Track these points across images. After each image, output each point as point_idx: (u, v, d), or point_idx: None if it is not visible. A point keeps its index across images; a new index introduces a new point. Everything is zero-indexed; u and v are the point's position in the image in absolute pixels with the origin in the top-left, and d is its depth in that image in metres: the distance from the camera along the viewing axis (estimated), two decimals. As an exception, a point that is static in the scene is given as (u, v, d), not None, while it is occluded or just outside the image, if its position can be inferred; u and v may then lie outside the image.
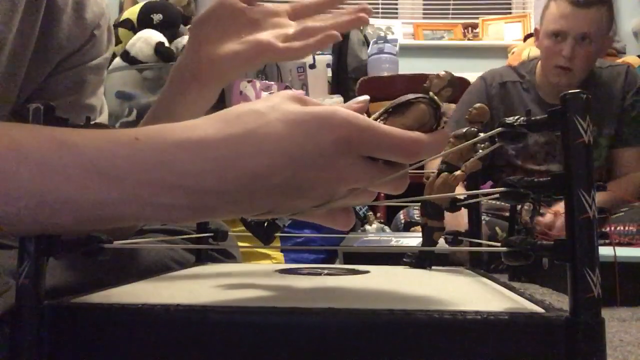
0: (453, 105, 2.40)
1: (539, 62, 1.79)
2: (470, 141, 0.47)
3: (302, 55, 0.56)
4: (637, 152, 1.71)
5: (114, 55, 2.21)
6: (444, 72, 0.37)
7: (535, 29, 1.78)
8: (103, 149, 0.30)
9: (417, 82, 2.15)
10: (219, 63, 0.57)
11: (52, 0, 0.62)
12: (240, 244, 0.90)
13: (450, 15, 3.43)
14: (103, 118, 0.73)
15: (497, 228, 1.57)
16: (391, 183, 0.36)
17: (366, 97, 0.37)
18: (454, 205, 0.59)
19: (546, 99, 1.72)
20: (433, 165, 0.59)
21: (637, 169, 1.69)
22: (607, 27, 1.66)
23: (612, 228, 1.42)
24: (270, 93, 2.08)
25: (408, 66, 2.82)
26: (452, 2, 3.42)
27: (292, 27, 0.58)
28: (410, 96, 0.35)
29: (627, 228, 1.48)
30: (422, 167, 0.39)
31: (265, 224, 0.40)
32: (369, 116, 0.35)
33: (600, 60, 1.78)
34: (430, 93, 0.36)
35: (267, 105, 0.33)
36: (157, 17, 2.23)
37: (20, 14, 0.58)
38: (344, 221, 0.38)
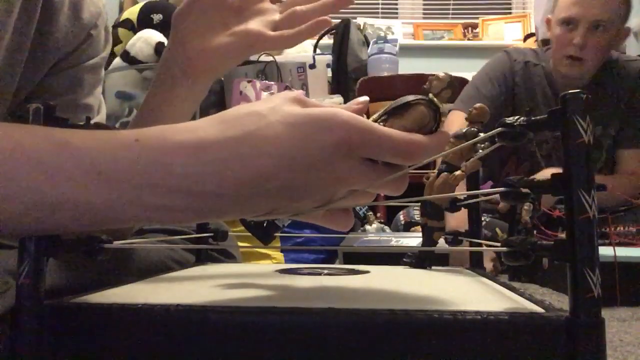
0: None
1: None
2: (470, 141, 0.47)
3: (295, 43, 0.55)
4: (637, 153, 1.65)
5: (114, 55, 2.20)
6: (443, 74, 0.37)
7: (547, 19, 1.68)
8: (103, 150, 0.30)
9: (417, 82, 2.15)
10: (209, 57, 0.55)
11: (48, 0, 0.62)
12: (240, 244, 0.90)
13: (450, 15, 3.43)
14: (100, 117, 0.73)
15: (497, 229, 1.56)
16: (391, 184, 0.36)
17: (366, 98, 0.37)
18: (454, 205, 0.59)
19: (561, 91, 1.64)
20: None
21: (637, 171, 1.64)
22: (623, 16, 1.56)
23: (612, 229, 1.42)
24: (270, 93, 2.08)
25: (408, 66, 2.82)
26: (452, 2, 3.42)
27: (276, 12, 0.56)
28: (410, 98, 0.35)
29: (626, 228, 1.47)
30: (424, 167, 0.39)
31: (265, 224, 0.40)
32: (368, 117, 0.35)
33: (616, 53, 1.68)
34: (430, 95, 0.36)
35: (267, 107, 0.33)
36: (157, 17, 2.23)
37: (16, 13, 0.58)
38: (343, 222, 0.38)
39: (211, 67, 0.57)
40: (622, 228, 1.47)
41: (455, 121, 1.57)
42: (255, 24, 0.55)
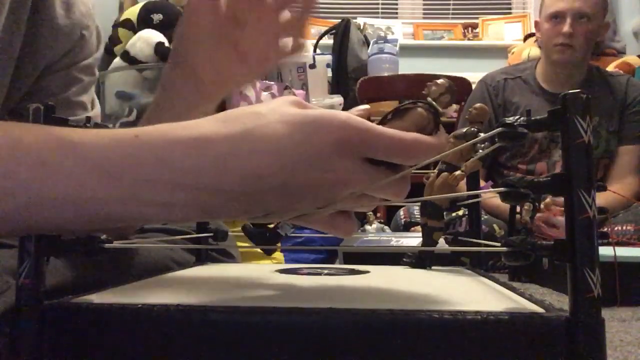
0: (455, 106, 2.43)
1: (538, 61, 1.85)
2: (470, 141, 0.47)
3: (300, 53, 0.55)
4: (634, 150, 1.75)
5: (114, 55, 2.20)
6: (442, 80, 0.38)
7: (536, 22, 1.85)
8: (103, 147, 0.31)
9: (417, 82, 2.16)
10: (225, 84, 0.57)
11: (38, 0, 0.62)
12: (240, 244, 0.90)
13: (450, 15, 3.42)
14: (94, 114, 0.74)
15: (494, 225, 1.57)
16: (392, 188, 0.35)
17: (367, 107, 0.38)
18: (454, 205, 0.59)
19: (547, 87, 1.79)
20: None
21: (633, 169, 1.73)
22: (604, 10, 1.75)
23: (610, 229, 1.43)
24: (270, 93, 2.08)
25: (408, 66, 2.82)
26: (452, 2, 3.42)
27: (274, 18, 0.53)
28: (409, 102, 0.36)
29: (624, 228, 1.48)
30: (424, 167, 0.39)
31: (268, 234, 0.40)
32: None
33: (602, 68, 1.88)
34: (429, 99, 0.37)
35: (267, 107, 0.33)
36: (157, 17, 2.23)
37: (5, 12, 0.58)
38: (344, 228, 0.38)
39: (226, 91, 0.59)
40: (619, 228, 1.48)
41: None
42: (263, 42, 0.53)
